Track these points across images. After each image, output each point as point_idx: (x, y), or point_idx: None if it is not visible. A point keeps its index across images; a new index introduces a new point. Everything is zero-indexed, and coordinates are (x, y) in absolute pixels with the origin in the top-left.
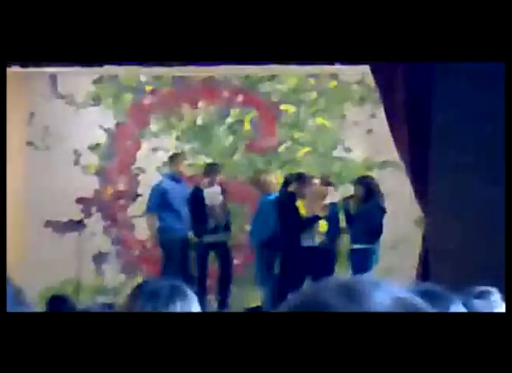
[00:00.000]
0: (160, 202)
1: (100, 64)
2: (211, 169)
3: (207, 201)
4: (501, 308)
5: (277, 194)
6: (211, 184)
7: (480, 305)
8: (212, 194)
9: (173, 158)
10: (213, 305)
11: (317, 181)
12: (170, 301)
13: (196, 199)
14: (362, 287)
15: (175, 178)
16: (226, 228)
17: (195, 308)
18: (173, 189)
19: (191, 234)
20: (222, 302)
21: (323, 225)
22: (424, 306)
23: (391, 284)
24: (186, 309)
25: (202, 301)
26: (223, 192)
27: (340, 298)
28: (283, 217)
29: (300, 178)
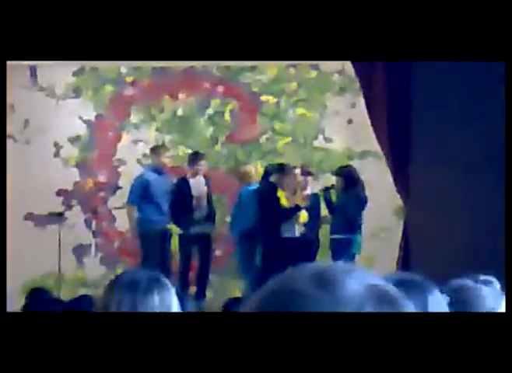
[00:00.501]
0: (141, 194)
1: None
2: (195, 158)
3: (193, 192)
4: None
5: (257, 185)
6: (195, 174)
7: (485, 292)
8: (198, 185)
9: (155, 150)
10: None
11: (297, 171)
12: (148, 292)
13: (182, 189)
14: (335, 274)
15: (157, 170)
16: (210, 219)
17: (173, 299)
18: (154, 180)
19: (173, 225)
20: (200, 293)
21: (304, 216)
22: (397, 294)
23: (366, 271)
24: (164, 300)
25: (184, 292)
26: (208, 183)
27: (313, 285)
28: (263, 207)
29: (281, 169)
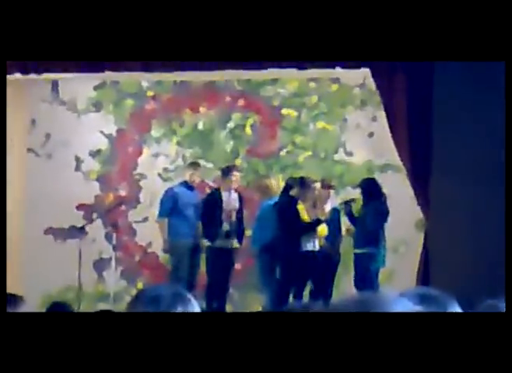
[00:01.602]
0: (171, 207)
1: (102, 70)
2: (228, 171)
3: (224, 205)
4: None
5: (277, 199)
6: (229, 187)
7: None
8: (229, 199)
9: (190, 167)
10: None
11: (318, 185)
12: (171, 308)
13: (213, 201)
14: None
15: (188, 185)
16: (238, 235)
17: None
18: (184, 194)
19: (202, 238)
20: (222, 308)
21: (323, 229)
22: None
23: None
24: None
25: (210, 306)
26: (241, 198)
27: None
28: (284, 221)
29: (302, 182)
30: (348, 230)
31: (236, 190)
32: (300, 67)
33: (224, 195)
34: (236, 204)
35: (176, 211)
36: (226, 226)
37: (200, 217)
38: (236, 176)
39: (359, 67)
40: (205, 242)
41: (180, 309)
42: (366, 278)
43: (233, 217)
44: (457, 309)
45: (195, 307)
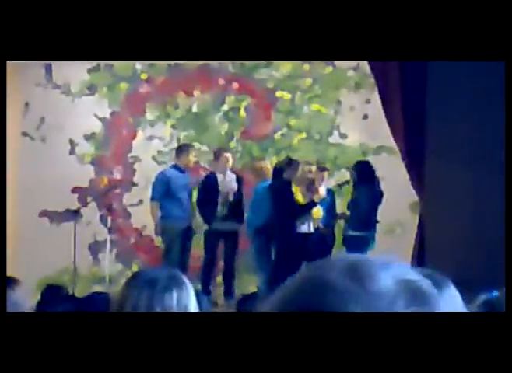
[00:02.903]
0: (163, 191)
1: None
2: (218, 153)
3: (220, 188)
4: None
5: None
6: (222, 170)
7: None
8: (226, 181)
9: (182, 149)
10: (216, 294)
11: (311, 167)
12: (166, 291)
13: (208, 185)
14: (369, 268)
15: (178, 167)
16: (238, 216)
17: (192, 297)
18: (176, 178)
19: (198, 220)
20: (228, 291)
21: (318, 211)
22: (431, 291)
23: (402, 266)
24: (182, 299)
25: (206, 290)
26: (239, 180)
27: (346, 277)
28: (278, 203)
29: (288, 163)
30: (343, 213)
31: (233, 172)
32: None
33: (219, 177)
34: (234, 186)
35: (168, 194)
36: (223, 209)
37: (196, 200)
38: (226, 157)
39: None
40: (203, 226)
41: (174, 292)
42: None
43: (231, 199)
44: (453, 289)
45: (190, 290)
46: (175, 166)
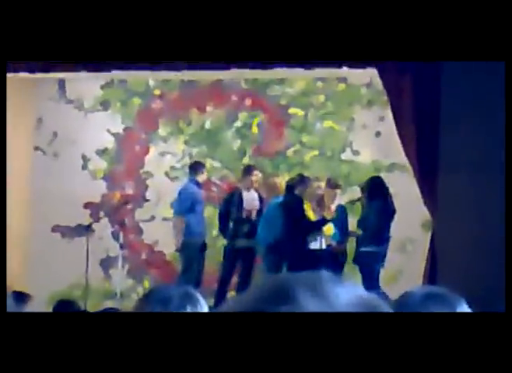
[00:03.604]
0: (189, 206)
1: (109, 70)
2: (248, 170)
3: (245, 205)
4: None
5: (283, 198)
6: (249, 187)
7: None
8: (250, 198)
9: (195, 168)
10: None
11: (321, 183)
12: (180, 309)
13: (233, 201)
14: (326, 283)
15: (197, 182)
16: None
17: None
18: (197, 193)
19: (218, 235)
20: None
21: (330, 228)
22: (385, 308)
23: (355, 284)
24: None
25: (220, 305)
26: (261, 198)
27: (303, 291)
28: (289, 220)
29: (301, 180)
30: (355, 231)
31: (256, 190)
32: (307, 67)
33: (245, 195)
34: (257, 204)
35: (191, 209)
36: (246, 226)
37: (219, 215)
38: (256, 175)
39: (365, 66)
40: (220, 241)
41: (189, 310)
42: (370, 277)
43: (254, 217)
44: (465, 308)
45: (204, 308)
46: (193, 181)
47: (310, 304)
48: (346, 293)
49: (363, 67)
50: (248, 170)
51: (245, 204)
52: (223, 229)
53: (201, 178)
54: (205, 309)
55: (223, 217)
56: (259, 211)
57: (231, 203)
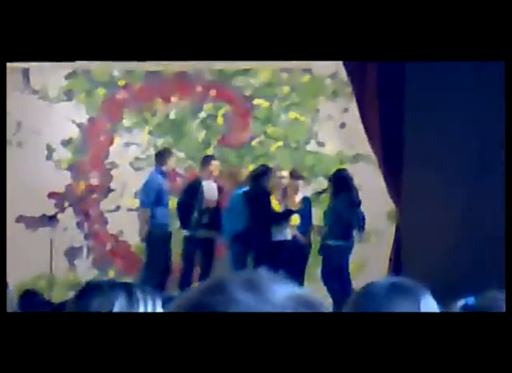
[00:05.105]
0: (154, 197)
1: (73, 60)
2: (206, 160)
3: (205, 195)
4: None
5: (247, 189)
6: (208, 176)
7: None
8: (209, 189)
9: (162, 154)
10: None
11: (285, 174)
12: (114, 302)
13: (193, 191)
14: (263, 281)
15: (163, 172)
16: (218, 224)
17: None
18: (162, 183)
19: (179, 227)
20: None
21: (295, 219)
22: (321, 304)
23: (289, 281)
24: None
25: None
26: (219, 188)
27: (242, 288)
28: (254, 211)
29: (263, 171)
30: (319, 226)
31: (215, 180)
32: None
33: (205, 184)
34: (216, 194)
35: (157, 200)
36: (206, 216)
37: (178, 205)
38: (215, 165)
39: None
40: (184, 232)
41: (123, 305)
42: (335, 270)
43: (213, 207)
44: (429, 298)
45: (140, 303)
46: (159, 171)
47: (246, 298)
48: (283, 290)
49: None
50: (206, 160)
51: (205, 195)
52: (183, 220)
53: (169, 166)
54: (141, 304)
55: (183, 208)
56: (218, 202)
57: (191, 194)
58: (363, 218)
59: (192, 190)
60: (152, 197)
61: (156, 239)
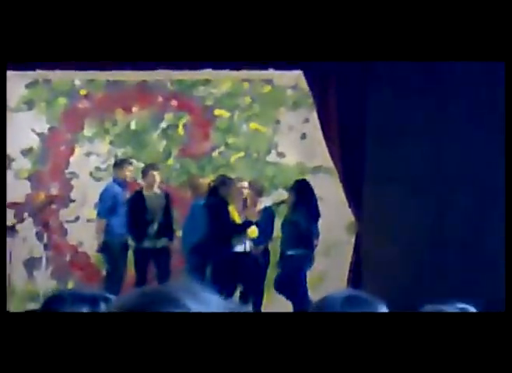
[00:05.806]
0: (110, 207)
1: (33, 69)
2: (147, 171)
3: (148, 205)
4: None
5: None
6: (150, 187)
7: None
8: (154, 198)
9: (119, 164)
10: None
11: (244, 184)
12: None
13: (136, 203)
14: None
15: (120, 182)
16: (168, 233)
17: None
18: (119, 194)
19: (130, 239)
20: None
21: (253, 231)
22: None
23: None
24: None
25: None
26: (167, 196)
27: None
28: (213, 222)
29: (222, 181)
30: (277, 237)
31: (161, 189)
32: (233, 68)
33: (146, 194)
34: (162, 202)
35: (113, 211)
36: (152, 226)
37: (126, 218)
38: (153, 174)
39: (291, 68)
40: (132, 243)
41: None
42: (294, 281)
43: (159, 216)
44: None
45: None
46: (116, 181)
47: (192, 305)
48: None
49: (290, 69)
50: (145, 171)
51: (148, 205)
52: (131, 232)
53: (127, 175)
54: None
55: (129, 220)
56: (167, 209)
57: (132, 207)
58: (318, 234)
59: (134, 202)
60: (106, 206)
61: (113, 250)
